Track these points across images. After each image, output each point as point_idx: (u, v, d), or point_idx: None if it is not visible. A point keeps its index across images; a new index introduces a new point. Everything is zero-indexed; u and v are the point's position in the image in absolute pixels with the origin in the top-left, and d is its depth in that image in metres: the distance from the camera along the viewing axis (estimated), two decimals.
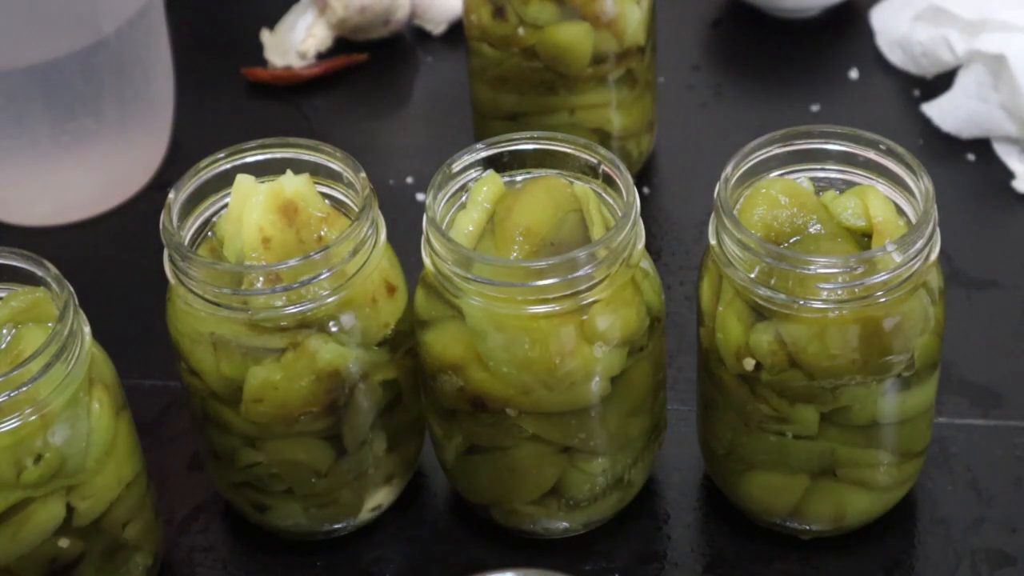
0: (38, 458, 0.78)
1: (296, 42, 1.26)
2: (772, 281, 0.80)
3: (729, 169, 0.83)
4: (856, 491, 0.87)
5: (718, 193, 0.82)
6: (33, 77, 1.07)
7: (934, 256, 0.81)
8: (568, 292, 0.80)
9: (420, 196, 1.13)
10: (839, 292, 0.79)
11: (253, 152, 0.87)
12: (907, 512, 0.90)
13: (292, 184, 0.85)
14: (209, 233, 0.87)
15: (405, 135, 1.20)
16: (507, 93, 1.07)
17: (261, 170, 0.86)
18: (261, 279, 0.81)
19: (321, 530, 0.91)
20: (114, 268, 1.10)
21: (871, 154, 0.85)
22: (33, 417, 0.78)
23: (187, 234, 0.85)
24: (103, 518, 0.83)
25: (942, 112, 1.14)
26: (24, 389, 0.77)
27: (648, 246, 0.84)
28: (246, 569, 0.91)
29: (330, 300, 0.82)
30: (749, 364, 0.82)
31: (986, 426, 0.95)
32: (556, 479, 0.87)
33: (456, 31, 1.25)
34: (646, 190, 1.12)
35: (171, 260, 0.83)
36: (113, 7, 1.10)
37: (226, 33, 1.31)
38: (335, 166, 0.86)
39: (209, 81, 1.26)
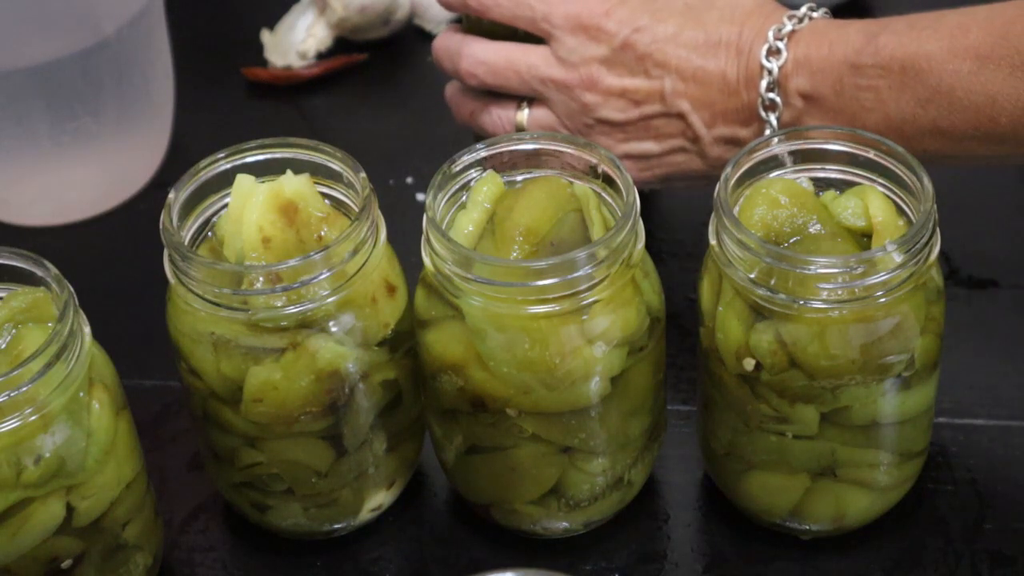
0: (38, 458, 0.78)
1: (296, 42, 1.26)
2: (772, 281, 0.80)
3: (729, 169, 0.83)
4: (856, 491, 0.87)
5: (718, 193, 0.82)
6: (33, 77, 1.07)
7: (934, 256, 0.81)
8: (568, 292, 0.80)
9: (420, 196, 1.13)
10: (839, 292, 0.79)
11: (253, 152, 0.87)
12: (907, 512, 0.90)
13: (292, 184, 0.85)
14: (209, 233, 0.87)
15: (405, 135, 1.20)
16: None
17: (261, 170, 0.86)
18: (261, 279, 0.81)
19: (321, 530, 0.91)
20: (114, 268, 1.10)
21: (871, 154, 0.85)
22: (33, 417, 0.78)
23: (187, 234, 0.85)
24: (103, 518, 0.83)
25: None
26: (24, 389, 0.77)
27: (648, 246, 0.84)
28: (246, 569, 0.91)
29: (330, 300, 0.82)
30: (749, 364, 0.82)
31: (986, 426, 0.95)
32: (556, 479, 0.87)
33: None
34: (646, 190, 1.12)
35: (171, 260, 0.83)
36: (113, 7, 1.10)
37: (226, 33, 1.31)
38: (335, 166, 0.86)
39: (209, 81, 1.26)
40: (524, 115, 0.99)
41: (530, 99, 0.99)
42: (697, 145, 0.96)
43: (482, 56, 0.99)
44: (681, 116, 0.96)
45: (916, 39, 0.89)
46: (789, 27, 0.93)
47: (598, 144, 0.95)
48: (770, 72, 0.92)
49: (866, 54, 0.90)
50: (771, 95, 0.93)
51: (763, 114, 0.93)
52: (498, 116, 1.00)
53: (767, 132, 0.93)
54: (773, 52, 0.93)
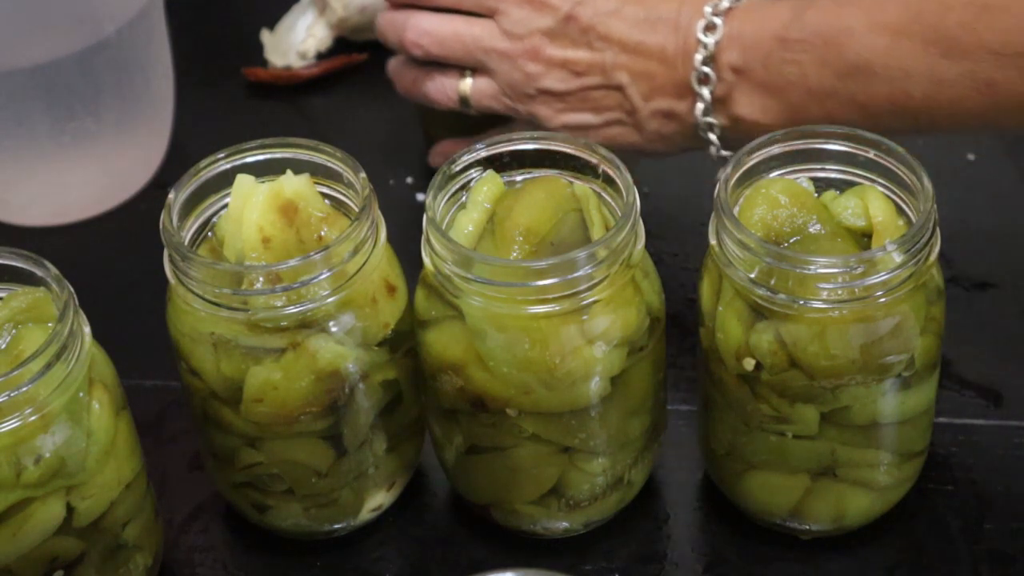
0: (38, 458, 0.78)
1: (296, 42, 1.26)
2: (772, 281, 0.80)
3: (729, 169, 0.83)
4: (856, 491, 0.87)
5: (718, 193, 0.82)
6: (33, 77, 1.07)
7: (934, 256, 0.81)
8: (568, 292, 0.80)
9: (420, 196, 1.13)
10: (839, 292, 0.79)
11: (253, 152, 0.87)
12: (907, 512, 0.90)
13: (292, 184, 0.85)
14: (209, 233, 0.87)
15: (405, 135, 1.20)
16: None
17: (261, 170, 0.86)
18: (261, 279, 0.81)
19: (321, 530, 0.91)
20: (114, 268, 1.10)
21: (871, 154, 0.85)
22: (33, 417, 0.78)
23: (187, 234, 0.85)
24: (103, 518, 0.83)
25: None
26: (24, 389, 0.77)
27: (648, 246, 0.84)
28: (246, 569, 0.91)
29: (330, 300, 0.82)
30: (749, 364, 0.82)
31: (986, 426, 0.95)
32: (556, 479, 0.87)
33: None
34: (646, 190, 1.12)
35: (171, 260, 0.83)
36: (113, 8, 1.10)
37: (226, 33, 1.31)
38: (335, 166, 0.86)
39: (209, 81, 1.26)
40: (467, 84, 1.02)
41: (473, 68, 1.02)
42: (633, 117, 0.99)
43: (427, 27, 1.02)
44: (620, 88, 0.98)
45: (839, 14, 0.92)
46: (726, 3, 0.96)
47: (538, 114, 0.99)
48: (705, 47, 0.95)
49: (793, 28, 0.93)
50: (705, 69, 0.95)
51: (696, 87, 0.96)
52: (441, 83, 1.03)
53: (699, 106, 0.96)
54: (710, 27, 0.95)
